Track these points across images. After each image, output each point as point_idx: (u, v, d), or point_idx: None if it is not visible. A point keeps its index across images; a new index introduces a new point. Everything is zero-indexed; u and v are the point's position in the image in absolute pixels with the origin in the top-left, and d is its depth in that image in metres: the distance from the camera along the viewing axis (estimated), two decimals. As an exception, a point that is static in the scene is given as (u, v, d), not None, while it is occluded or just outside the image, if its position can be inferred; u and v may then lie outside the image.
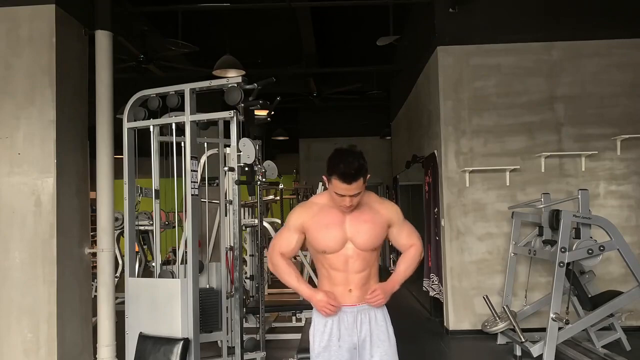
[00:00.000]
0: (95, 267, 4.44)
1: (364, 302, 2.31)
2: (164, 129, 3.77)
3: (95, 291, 4.39)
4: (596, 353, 4.73)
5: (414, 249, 2.42)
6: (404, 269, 2.41)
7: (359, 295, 2.31)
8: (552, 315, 4.42)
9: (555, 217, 4.77)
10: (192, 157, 3.45)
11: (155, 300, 3.43)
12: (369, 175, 2.26)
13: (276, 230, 6.19)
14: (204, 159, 4.51)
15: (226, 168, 3.78)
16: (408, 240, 2.43)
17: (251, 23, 7.63)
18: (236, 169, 3.67)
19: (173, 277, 3.49)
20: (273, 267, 2.41)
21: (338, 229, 2.28)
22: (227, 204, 3.97)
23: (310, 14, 6.89)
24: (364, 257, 2.29)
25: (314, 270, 6.48)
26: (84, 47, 4.47)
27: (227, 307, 3.99)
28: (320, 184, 7.12)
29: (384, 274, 2.46)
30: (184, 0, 6.33)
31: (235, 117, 3.56)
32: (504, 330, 5.04)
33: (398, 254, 2.59)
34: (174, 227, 3.90)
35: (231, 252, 3.83)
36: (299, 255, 6.57)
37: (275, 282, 8.77)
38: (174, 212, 3.68)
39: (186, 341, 3.28)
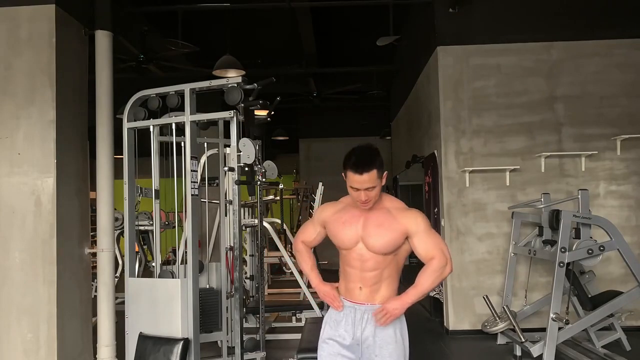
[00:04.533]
0: (95, 267, 4.44)
1: (372, 302, 2.32)
2: (164, 129, 3.77)
3: (95, 291, 4.39)
4: (596, 353, 4.73)
5: (435, 262, 2.27)
6: (421, 282, 2.28)
7: (367, 294, 2.32)
8: (552, 315, 4.41)
9: (555, 217, 4.77)
10: (192, 157, 3.44)
11: (155, 300, 3.43)
12: (386, 173, 2.27)
13: (276, 230, 6.19)
14: (204, 159, 4.51)
15: (226, 168, 3.78)
16: (428, 252, 2.28)
17: (251, 23, 7.63)
18: (236, 169, 3.67)
19: (173, 277, 3.49)
20: (295, 251, 2.60)
21: (352, 228, 2.31)
22: (227, 204, 3.97)
23: (310, 14, 6.89)
24: (375, 259, 2.28)
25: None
26: (84, 47, 4.47)
27: (227, 307, 3.99)
28: (321, 184, 7.12)
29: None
30: (184, 0, 6.33)
31: (235, 117, 3.56)
32: (504, 330, 5.04)
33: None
34: (174, 227, 3.90)
35: (231, 252, 3.83)
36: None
37: (275, 282, 8.79)
38: (174, 212, 3.69)
39: (186, 341, 3.28)
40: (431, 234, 2.31)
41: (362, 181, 2.20)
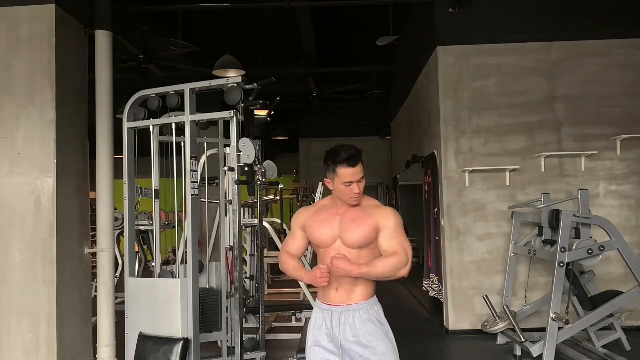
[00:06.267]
0: (95, 267, 4.44)
1: (348, 303, 2.35)
2: (164, 129, 3.77)
3: (95, 291, 4.39)
4: (596, 353, 4.73)
5: (397, 257, 2.28)
6: (376, 265, 2.27)
7: (343, 294, 2.36)
8: (552, 315, 4.42)
9: (555, 217, 4.77)
10: (192, 157, 3.45)
11: (155, 300, 3.43)
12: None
13: (276, 230, 6.19)
14: (204, 159, 4.51)
15: (226, 168, 3.78)
16: (392, 248, 2.30)
17: (251, 23, 7.63)
18: (236, 169, 3.67)
19: (173, 277, 3.49)
20: (281, 264, 2.54)
21: (329, 226, 2.39)
22: (227, 204, 3.97)
23: (310, 14, 6.89)
24: (352, 255, 2.32)
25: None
26: (83, 47, 4.47)
27: (227, 307, 3.99)
28: (321, 184, 7.12)
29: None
30: (184, 0, 6.33)
31: (235, 117, 3.56)
32: (504, 330, 5.04)
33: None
34: (174, 227, 3.90)
35: (231, 252, 3.84)
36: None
37: (275, 282, 8.78)
38: (174, 212, 3.69)
39: (186, 341, 3.28)
40: (400, 233, 2.35)
41: (355, 173, 2.31)
